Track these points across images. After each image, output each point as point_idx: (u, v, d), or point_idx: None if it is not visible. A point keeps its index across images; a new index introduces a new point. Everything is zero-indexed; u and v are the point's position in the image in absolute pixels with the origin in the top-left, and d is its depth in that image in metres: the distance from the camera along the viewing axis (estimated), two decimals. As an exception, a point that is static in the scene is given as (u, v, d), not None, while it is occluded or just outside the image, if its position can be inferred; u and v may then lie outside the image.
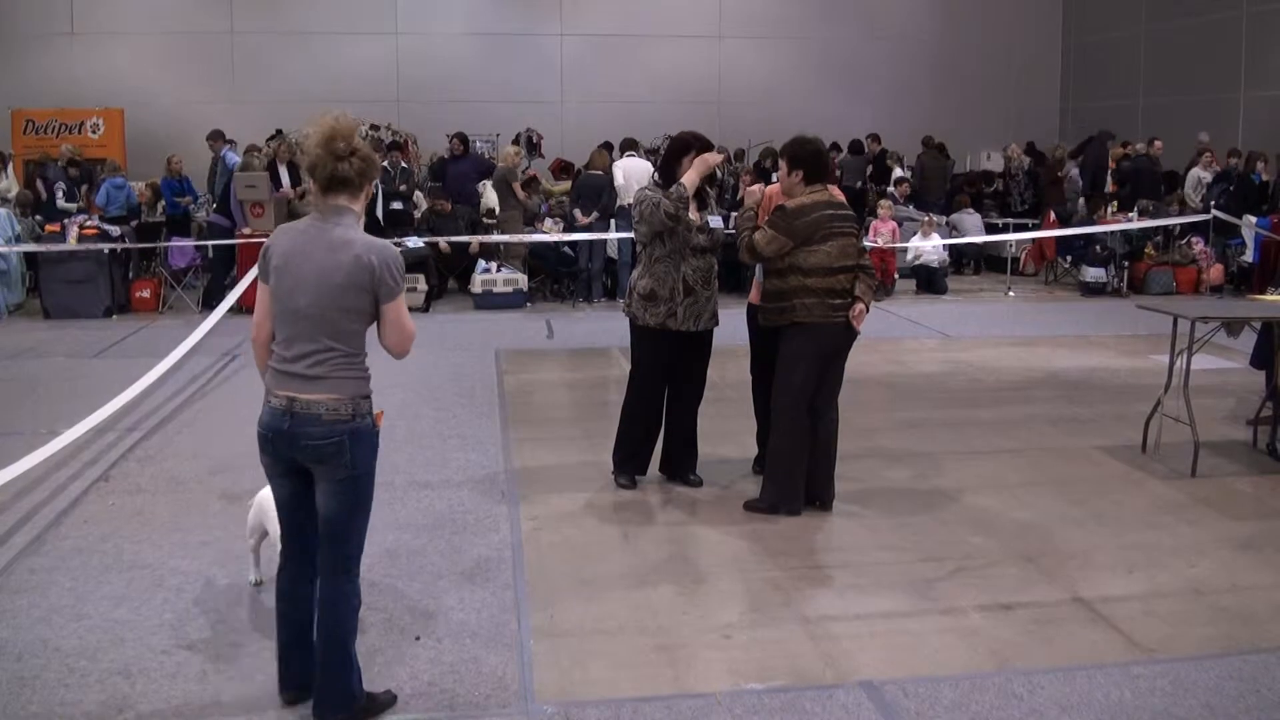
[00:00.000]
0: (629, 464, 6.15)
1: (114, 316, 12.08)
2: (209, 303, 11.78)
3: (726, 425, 6.95)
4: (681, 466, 6.18)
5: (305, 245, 3.46)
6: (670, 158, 5.96)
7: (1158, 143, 15.41)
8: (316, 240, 3.46)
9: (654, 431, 6.16)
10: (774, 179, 6.03)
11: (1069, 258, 14.90)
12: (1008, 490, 6.13)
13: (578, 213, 13.25)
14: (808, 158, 5.61)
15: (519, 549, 5.22)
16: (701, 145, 5.88)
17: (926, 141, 17.82)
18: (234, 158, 13.99)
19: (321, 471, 3.48)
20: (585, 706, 3.76)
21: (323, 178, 3.47)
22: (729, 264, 10.21)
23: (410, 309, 3.64)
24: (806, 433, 5.60)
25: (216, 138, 14.56)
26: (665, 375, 6.03)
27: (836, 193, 5.79)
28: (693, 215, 5.80)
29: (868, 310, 5.59)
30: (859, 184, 16.59)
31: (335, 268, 3.41)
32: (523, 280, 13.02)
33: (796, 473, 5.63)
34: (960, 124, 19.24)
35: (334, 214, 3.49)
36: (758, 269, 6.06)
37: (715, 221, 5.93)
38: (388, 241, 3.56)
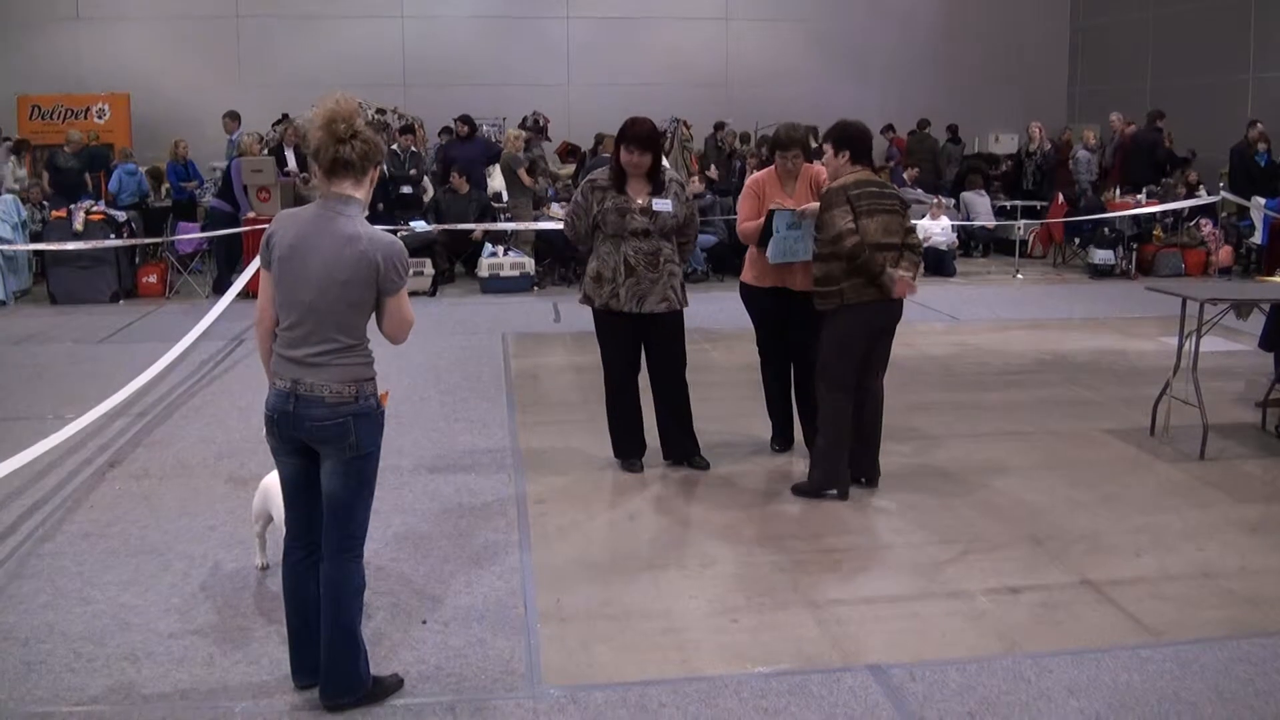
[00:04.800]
0: (624, 448, 6.16)
1: (121, 302, 12.09)
2: (219, 290, 11.76)
3: (731, 409, 6.94)
4: (681, 450, 6.16)
5: (310, 237, 3.43)
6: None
7: (1255, 130, 14.27)
8: (322, 232, 3.42)
9: (634, 414, 6.12)
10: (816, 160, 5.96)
11: (1077, 240, 14.83)
12: (1015, 473, 6.11)
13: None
14: (855, 138, 5.63)
15: (526, 533, 5.22)
16: (620, 135, 5.83)
17: (921, 124, 17.90)
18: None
19: (327, 451, 3.48)
20: (592, 690, 3.76)
21: (326, 161, 3.44)
22: (735, 247, 10.17)
23: (417, 293, 3.62)
24: (849, 416, 5.60)
25: (233, 118, 14.47)
26: (629, 359, 6.01)
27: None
28: (640, 200, 5.80)
29: (913, 279, 5.54)
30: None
31: (340, 264, 3.39)
32: (529, 264, 13.00)
33: (841, 456, 5.63)
34: (968, 106, 19.14)
35: (339, 203, 3.46)
36: (751, 249, 6.12)
37: (661, 205, 5.85)
38: (393, 236, 3.53)
